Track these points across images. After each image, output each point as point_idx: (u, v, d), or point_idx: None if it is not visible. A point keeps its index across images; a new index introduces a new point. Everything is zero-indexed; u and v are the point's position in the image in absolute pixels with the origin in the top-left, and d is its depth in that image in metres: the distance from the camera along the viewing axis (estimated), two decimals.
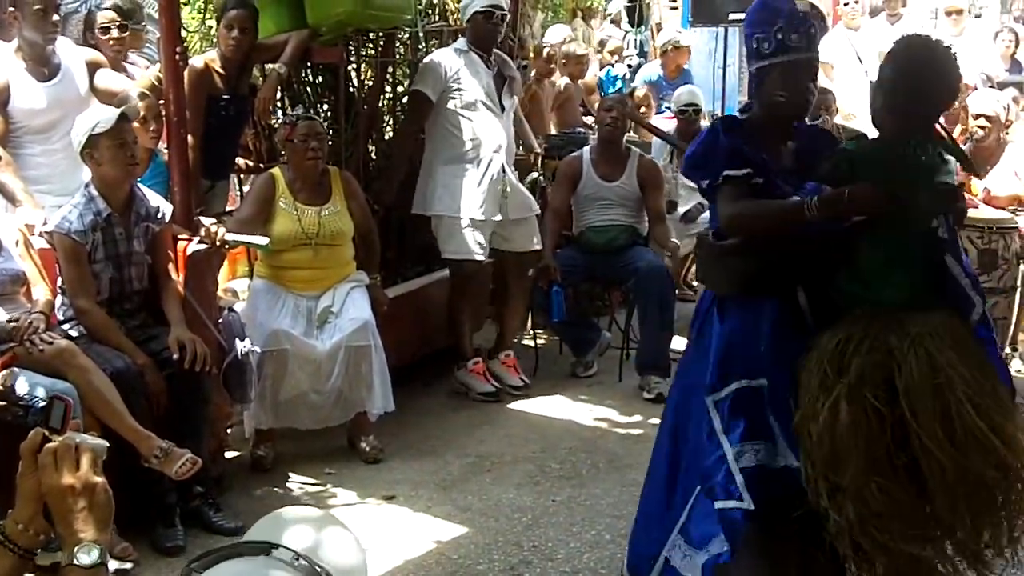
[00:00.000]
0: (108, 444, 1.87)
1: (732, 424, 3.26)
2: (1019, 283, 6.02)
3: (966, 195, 6.19)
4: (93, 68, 5.05)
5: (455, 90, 5.76)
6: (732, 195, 3.29)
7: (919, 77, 3.11)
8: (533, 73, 7.85)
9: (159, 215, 4.47)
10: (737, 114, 3.58)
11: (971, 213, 5.95)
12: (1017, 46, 9.97)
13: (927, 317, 3.08)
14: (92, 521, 1.76)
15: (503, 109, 5.92)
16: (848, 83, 9.61)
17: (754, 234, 3.32)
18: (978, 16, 13.09)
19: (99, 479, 1.80)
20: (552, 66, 8.11)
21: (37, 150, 4.88)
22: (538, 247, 6.03)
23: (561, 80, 8.38)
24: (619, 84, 9.60)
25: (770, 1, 3.32)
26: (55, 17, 4.84)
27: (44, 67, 4.88)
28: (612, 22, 12.49)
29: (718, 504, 3.25)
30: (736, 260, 3.37)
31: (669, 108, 8.16)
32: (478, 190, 5.77)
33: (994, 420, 2.95)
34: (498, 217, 5.85)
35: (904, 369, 2.99)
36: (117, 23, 5.50)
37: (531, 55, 7.90)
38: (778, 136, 3.38)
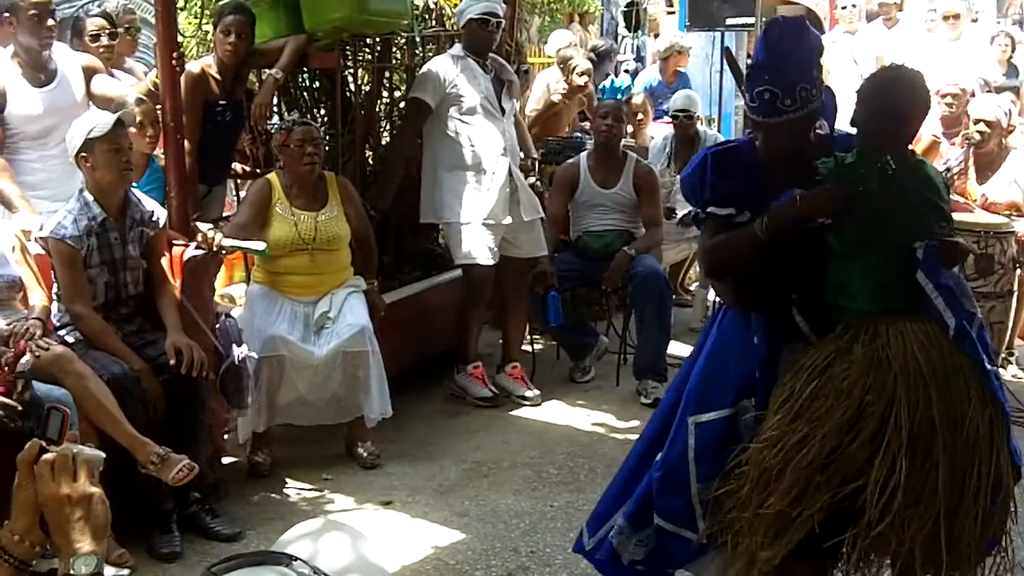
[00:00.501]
0: (105, 455, 1.87)
1: (702, 455, 3.30)
2: (1016, 288, 6.03)
3: (962, 199, 6.24)
4: (90, 73, 5.04)
5: (454, 97, 5.75)
6: (710, 231, 3.37)
7: (890, 105, 3.14)
8: (563, 90, 7.77)
9: (154, 219, 4.47)
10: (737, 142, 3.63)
11: (968, 218, 6.01)
12: (1013, 50, 9.99)
13: (907, 324, 3.07)
14: (89, 531, 1.76)
15: (503, 112, 5.92)
16: (844, 88, 9.64)
17: (724, 268, 3.40)
18: (975, 20, 13.10)
19: (96, 490, 1.80)
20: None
21: (34, 156, 4.87)
22: (545, 252, 6.02)
23: (559, 85, 8.40)
24: (618, 94, 9.62)
25: (766, 61, 3.28)
26: (50, 22, 4.83)
27: (40, 72, 4.87)
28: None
29: (668, 526, 3.36)
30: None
31: (665, 112, 8.16)
32: (487, 194, 5.77)
33: (930, 439, 2.94)
34: (508, 220, 5.84)
35: (859, 379, 3.01)
36: (107, 30, 5.49)
37: (528, 60, 7.92)
38: (787, 161, 3.32)
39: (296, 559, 2.07)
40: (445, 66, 5.79)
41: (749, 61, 10.07)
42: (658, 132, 7.99)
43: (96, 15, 5.52)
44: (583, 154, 6.49)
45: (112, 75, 5.48)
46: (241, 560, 2.09)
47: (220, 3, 5.26)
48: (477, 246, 5.79)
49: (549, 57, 8.73)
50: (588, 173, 6.32)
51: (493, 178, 5.78)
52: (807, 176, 3.21)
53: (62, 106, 4.84)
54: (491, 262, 5.83)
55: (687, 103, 7.39)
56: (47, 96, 4.86)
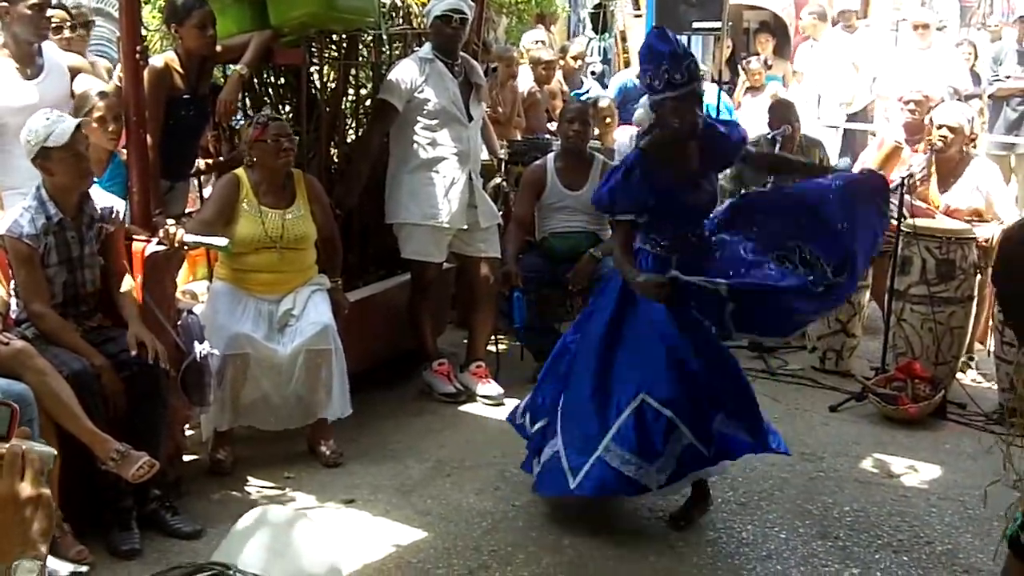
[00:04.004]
0: (55, 452, 1.79)
1: None
2: (976, 293, 6.08)
3: (925, 205, 6.30)
4: (74, 73, 5.01)
5: (420, 102, 5.77)
6: (618, 233, 4.42)
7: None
8: (532, 82, 8.28)
9: (113, 215, 4.42)
10: (641, 143, 4.43)
11: (929, 224, 6.07)
12: (976, 59, 10.10)
13: None
14: (34, 534, 1.68)
15: (471, 118, 5.93)
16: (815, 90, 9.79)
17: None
18: (940, 29, 13.24)
19: (45, 491, 1.71)
20: (550, 72, 8.60)
21: (17, 152, 4.78)
22: (499, 255, 6.05)
23: (527, 85, 8.42)
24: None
25: (655, 44, 4.12)
26: (49, 13, 4.79)
27: (29, 66, 4.82)
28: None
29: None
30: None
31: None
32: (445, 199, 5.81)
33: None
34: (464, 226, 5.90)
35: None
36: (68, 22, 5.43)
37: (498, 59, 7.94)
38: (682, 144, 4.26)
39: (231, 567, 2.02)
40: (413, 70, 5.79)
41: (710, 64, 10.20)
42: (626, 133, 7.99)
43: (55, 6, 5.45)
44: (550, 156, 6.49)
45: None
46: (179, 571, 2.04)
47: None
48: (427, 244, 5.87)
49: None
50: (555, 175, 6.32)
51: (453, 184, 5.82)
52: (700, 154, 4.26)
53: (50, 100, 4.75)
54: (439, 260, 5.95)
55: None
56: (34, 90, 4.81)
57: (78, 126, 4.22)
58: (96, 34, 6.93)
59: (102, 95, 4.74)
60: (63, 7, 5.48)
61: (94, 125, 4.60)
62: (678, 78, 4.05)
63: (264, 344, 4.89)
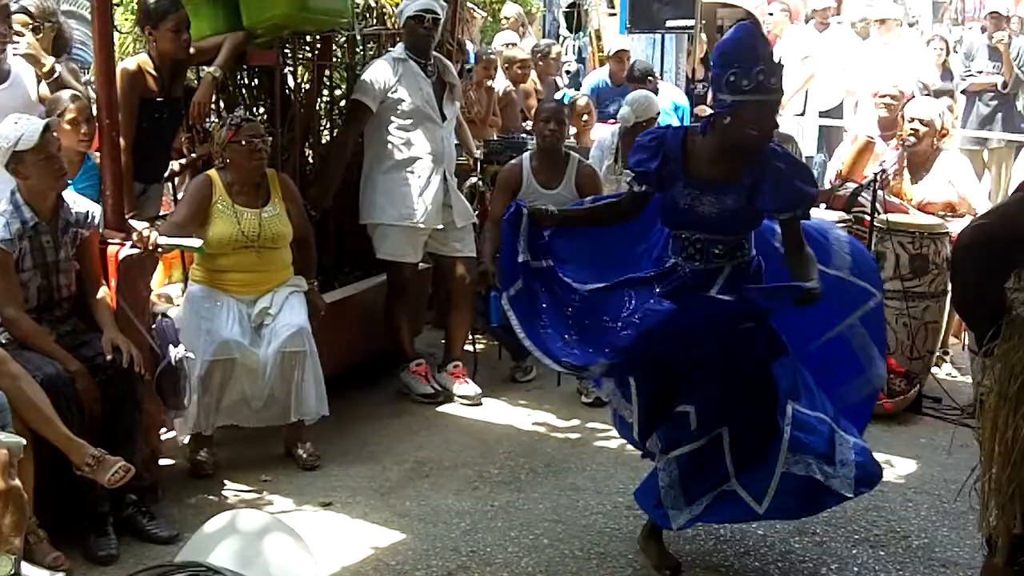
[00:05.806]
0: (24, 442, 1.77)
1: None
2: (949, 288, 6.11)
3: (899, 200, 6.33)
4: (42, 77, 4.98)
5: (394, 102, 5.77)
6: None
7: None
8: (506, 83, 8.33)
9: (89, 220, 4.40)
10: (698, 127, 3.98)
11: (903, 219, 6.10)
12: (948, 54, 10.17)
13: None
14: (6, 528, 1.67)
15: (444, 118, 5.93)
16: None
17: None
18: (912, 24, 13.34)
19: (15, 483, 1.69)
20: (525, 72, 8.63)
21: None
22: (474, 255, 6.05)
23: (501, 84, 8.42)
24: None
25: (751, 42, 3.74)
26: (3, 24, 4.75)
27: None
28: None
29: None
30: None
31: (611, 114, 8.17)
32: (419, 199, 5.82)
33: None
34: (439, 226, 5.90)
35: None
36: (30, 25, 5.39)
37: (473, 61, 7.94)
38: (732, 157, 3.81)
39: (207, 566, 2.01)
40: (386, 70, 5.79)
41: (686, 61, 10.23)
42: (604, 131, 7.99)
43: (16, 11, 5.40)
44: (526, 155, 6.48)
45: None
46: (153, 570, 2.03)
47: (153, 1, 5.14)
48: (402, 244, 5.88)
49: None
50: (531, 174, 6.31)
51: (427, 184, 5.82)
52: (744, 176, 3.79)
53: (14, 106, 4.71)
54: (414, 260, 5.97)
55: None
56: (3, 95, 4.76)
57: (47, 126, 4.20)
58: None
59: (74, 97, 4.73)
60: (25, 11, 5.42)
61: (66, 127, 4.58)
62: (772, 82, 3.71)
63: (250, 349, 4.88)
